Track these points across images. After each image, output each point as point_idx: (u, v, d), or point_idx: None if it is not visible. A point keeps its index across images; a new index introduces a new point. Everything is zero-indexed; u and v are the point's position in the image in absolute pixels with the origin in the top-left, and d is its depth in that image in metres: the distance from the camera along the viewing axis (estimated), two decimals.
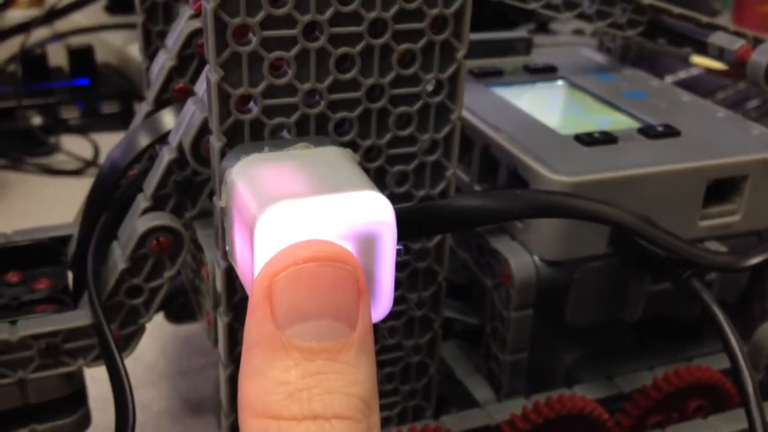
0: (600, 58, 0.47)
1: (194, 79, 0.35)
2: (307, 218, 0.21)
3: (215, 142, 0.25)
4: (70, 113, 0.77)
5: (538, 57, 0.46)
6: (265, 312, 0.19)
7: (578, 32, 0.74)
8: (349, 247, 0.22)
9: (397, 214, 0.22)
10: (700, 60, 0.68)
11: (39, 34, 0.82)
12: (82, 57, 0.79)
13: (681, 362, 0.36)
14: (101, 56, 0.83)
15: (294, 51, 0.25)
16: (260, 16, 0.24)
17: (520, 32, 0.51)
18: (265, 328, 0.19)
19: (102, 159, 0.67)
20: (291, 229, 0.21)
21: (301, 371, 0.18)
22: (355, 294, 0.20)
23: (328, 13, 0.25)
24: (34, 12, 0.86)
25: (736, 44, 0.39)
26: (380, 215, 0.22)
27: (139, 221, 0.31)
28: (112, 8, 0.93)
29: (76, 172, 0.71)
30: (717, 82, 0.69)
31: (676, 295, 0.33)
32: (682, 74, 0.71)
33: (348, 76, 0.26)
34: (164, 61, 0.36)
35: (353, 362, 0.19)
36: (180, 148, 0.30)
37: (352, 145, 0.27)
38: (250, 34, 0.24)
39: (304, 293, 0.19)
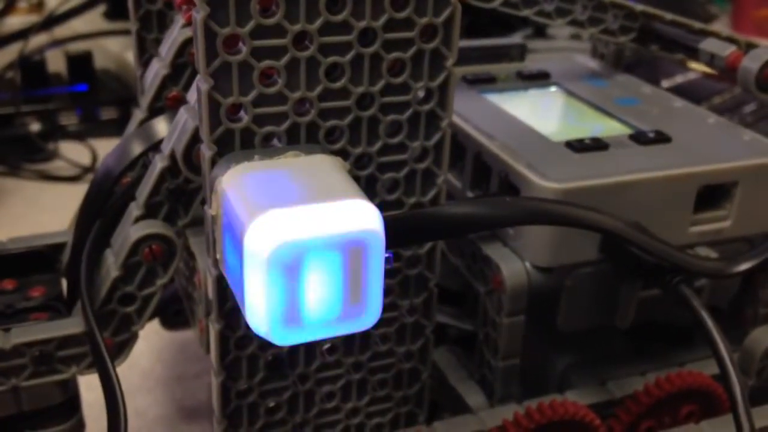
0: (593, 64, 0.48)
1: (187, 87, 0.35)
2: (296, 227, 0.21)
3: (206, 150, 0.25)
4: (69, 119, 0.78)
5: (532, 63, 0.47)
6: None
7: (576, 36, 0.75)
8: (338, 255, 0.22)
9: (387, 222, 0.23)
10: (697, 64, 0.69)
11: (38, 40, 0.83)
12: (80, 63, 0.79)
13: (674, 367, 0.36)
14: (100, 62, 0.84)
15: (284, 60, 0.25)
16: (250, 25, 0.24)
17: (514, 39, 0.51)
18: None
19: None
20: (280, 237, 0.21)
21: None
22: None
23: (318, 22, 0.25)
24: (33, 18, 0.87)
25: (727, 50, 0.39)
26: (368, 224, 0.22)
27: (132, 229, 0.31)
28: (110, 15, 0.93)
29: (73, 179, 0.71)
30: (714, 86, 0.69)
31: (667, 301, 0.34)
32: (679, 78, 0.71)
33: (338, 84, 0.26)
34: (158, 69, 0.36)
35: None
36: (172, 156, 0.30)
37: (343, 153, 0.27)
38: (240, 44, 0.24)
39: None
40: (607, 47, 0.48)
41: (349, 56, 0.26)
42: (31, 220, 0.65)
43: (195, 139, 0.29)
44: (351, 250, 0.22)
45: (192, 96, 0.30)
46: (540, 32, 0.83)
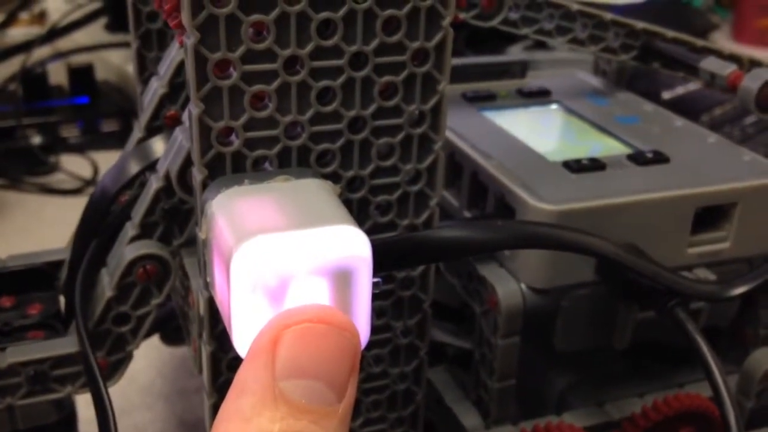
0: (594, 81, 0.47)
1: (186, 106, 0.35)
2: (282, 253, 0.21)
3: (197, 174, 0.25)
4: (70, 132, 0.78)
5: (532, 81, 0.46)
6: (267, 360, 0.20)
7: (575, 48, 0.74)
8: (325, 280, 0.22)
9: (378, 245, 0.22)
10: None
11: (40, 52, 0.83)
12: (82, 75, 0.80)
13: (673, 388, 0.36)
14: (101, 74, 0.84)
15: (275, 84, 0.25)
16: (241, 50, 0.24)
17: (514, 50, 0.50)
18: (263, 376, 0.19)
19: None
20: (266, 263, 0.21)
21: (285, 426, 0.19)
22: (350, 368, 0.20)
23: (309, 47, 0.25)
24: (35, 30, 0.87)
25: (727, 70, 0.39)
26: (356, 250, 0.22)
27: (127, 249, 0.31)
28: (112, 27, 0.94)
29: (75, 192, 0.71)
30: (714, 98, 0.68)
31: (664, 323, 0.33)
32: (679, 90, 0.71)
33: (329, 108, 0.26)
34: (156, 88, 0.36)
35: None
36: (167, 176, 0.30)
37: (335, 176, 0.27)
38: (231, 69, 0.24)
39: (309, 351, 0.20)
40: (610, 64, 0.48)
41: (340, 80, 0.26)
42: (33, 233, 0.66)
43: (189, 160, 0.29)
44: (337, 275, 0.22)
45: (186, 117, 0.30)
46: (540, 43, 0.83)
